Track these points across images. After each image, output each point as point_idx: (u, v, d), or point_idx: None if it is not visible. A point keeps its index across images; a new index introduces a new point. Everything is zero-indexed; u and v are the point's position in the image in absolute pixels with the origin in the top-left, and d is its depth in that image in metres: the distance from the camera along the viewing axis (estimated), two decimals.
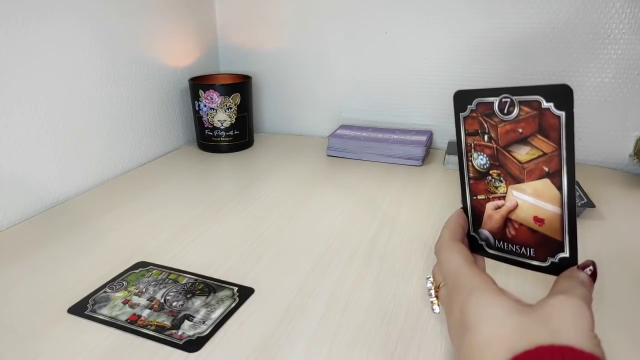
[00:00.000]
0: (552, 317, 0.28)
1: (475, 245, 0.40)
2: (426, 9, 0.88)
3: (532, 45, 0.83)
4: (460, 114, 0.38)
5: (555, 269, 0.35)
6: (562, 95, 0.32)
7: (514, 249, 0.38)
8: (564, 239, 0.34)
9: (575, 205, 0.34)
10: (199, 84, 0.89)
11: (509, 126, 0.35)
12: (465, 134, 0.38)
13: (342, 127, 0.97)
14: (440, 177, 0.80)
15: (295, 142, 1.00)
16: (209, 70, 1.04)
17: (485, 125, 0.37)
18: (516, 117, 0.35)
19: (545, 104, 0.33)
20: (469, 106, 0.37)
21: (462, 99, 0.38)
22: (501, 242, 0.39)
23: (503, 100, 0.35)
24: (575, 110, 0.32)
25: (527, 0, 0.81)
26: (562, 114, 0.32)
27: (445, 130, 0.95)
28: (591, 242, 0.58)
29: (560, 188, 0.34)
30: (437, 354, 0.41)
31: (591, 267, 0.33)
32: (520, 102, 0.34)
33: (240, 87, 0.90)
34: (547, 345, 0.26)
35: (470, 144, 0.38)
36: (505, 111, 0.35)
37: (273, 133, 1.08)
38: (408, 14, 0.89)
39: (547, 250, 0.36)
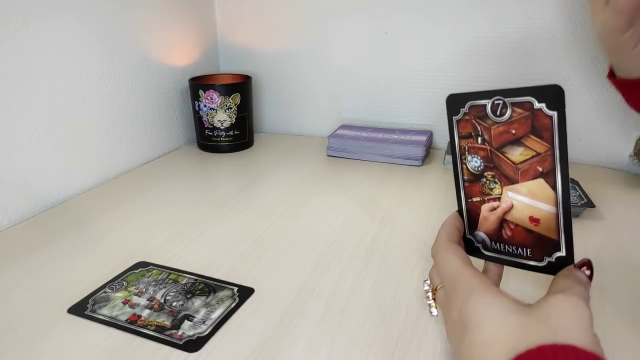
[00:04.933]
0: (552, 316, 0.28)
1: (471, 247, 0.40)
2: (426, 9, 0.88)
3: (532, 45, 0.83)
4: (454, 117, 0.38)
5: (553, 269, 0.35)
6: (553, 95, 0.32)
7: (511, 250, 0.38)
8: (560, 238, 0.35)
9: (570, 203, 0.34)
10: (199, 84, 0.89)
11: (502, 128, 0.36)
12: (459, 137, 0.39)
13: (342, 127, 0.97)
14: (440, 177, 0.80)
15: (295, 142, 1.00)
16: (209, 70, 1.04)
17: (479, 128, 0.37)
18: (509, 118, 0.35)
19: (537, 105, 0.33)
20: (461, 109, 0.38)
21: (454, 102, 0.38)
22: (498, 244, 0.39)
23: (495, 102, 0.35)
24: (574, 110, 0.32)
25: (527, 1, 0.81)
26: (554, 113, 0.32)
27: (445, 130, 0.93)
28: (591, 242, 0.59)
29: (554, 187, 0.34)
30: (437, 354, 0.41)
31: (588, 266, 0.33)
32: (513, 104, 0.34)
33: (240, 87, 0.90)
34: (549, 345, 0.26)
35: (464, 147, 0.39)
36: (498, 113, 0.35)
37: (273, 133, 1.08)
38: (408, 14, 0.89)
39: (544, 250, 0.36)
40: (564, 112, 0.32)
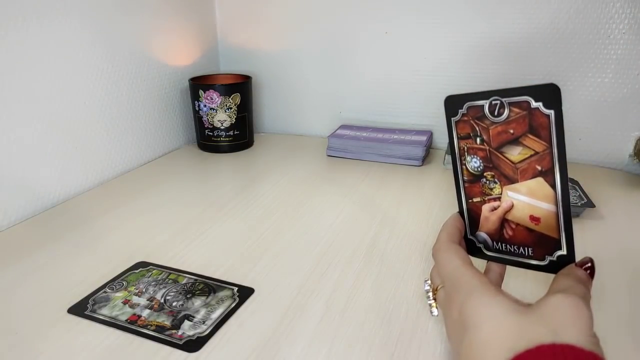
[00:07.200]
0: (551, 316, 0.28)
1: (473, 248, 0.41)
2: (426, 10, 0.88)
3: (532, 45, 0.83)
4: (452, 118, 0.39)
5: (554, 267, 0.35)
6: (550, 94, 0.32)
7: (512, 250, 0.38)
8: (561, 236, 0.35)
9: (570, 201, 0.34)
10: (199, 84, 0.89)
11: (500, 128, 0.36)
12: (458, 138, 0.39)
13: (342, 127, 0.97)
14: (440, 177, 0.80)
15: (295, 142, 1.00)
16: (209, 70, 1.04)
17: (477, 128, 0.37)
18: (507, 118, 0.35)
19: (534, 104, 0.33)
20: (459, 110, 0.38)
21: (452, 103, 0.38)
22: (499, 244, 0.39)
23: (493, 102, 0.35)
24: (574, 110, 0.32)
25: (527, 1, 0.81)
26: (551, 112, 0.32)
27: (445, 130, 0.93)
28: (591, 242, 0.58)
29: (553, 186, 0.34)
30: (437, 354, 0.41)
31: (589, 264, 0.33)
32: (510, 104, 0.35)
33: (240, 87, 0.90)
34: (548, 344, 0.26)
35: (464, 148, 0.39)
36: (496, 113, 0.36)
37: (273, 133, 1.08)
38: (408, 15, 0.89)
39: (545, 249, 0.36)
40: (561, 111, 0.32)
